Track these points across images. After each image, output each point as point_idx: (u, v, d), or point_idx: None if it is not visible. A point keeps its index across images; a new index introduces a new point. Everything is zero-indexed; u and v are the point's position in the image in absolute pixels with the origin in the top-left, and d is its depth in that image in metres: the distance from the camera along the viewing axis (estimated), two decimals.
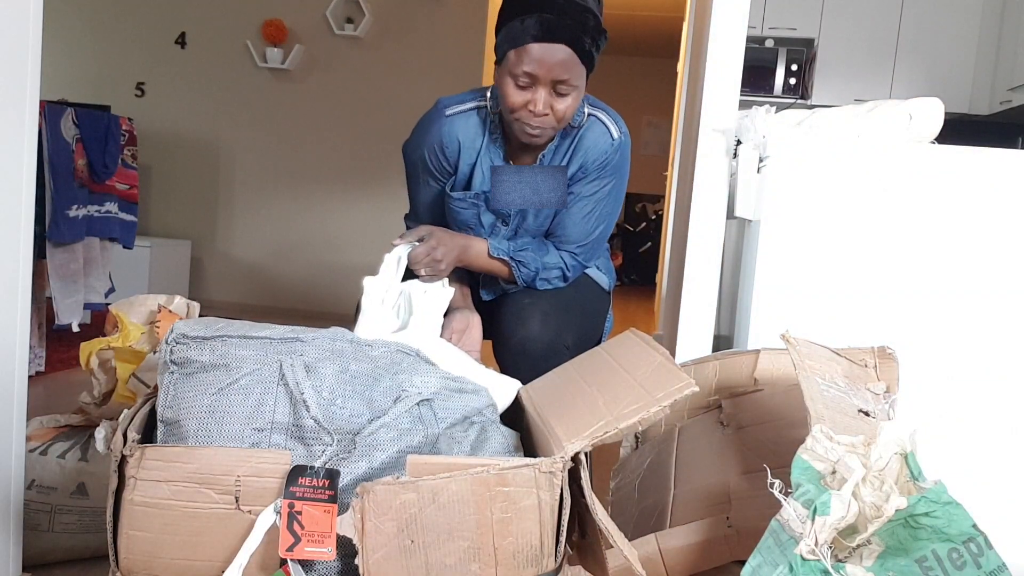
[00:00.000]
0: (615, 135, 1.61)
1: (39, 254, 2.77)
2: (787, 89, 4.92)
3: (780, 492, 0.94)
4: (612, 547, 1.01)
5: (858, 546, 0.92)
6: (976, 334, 1.57)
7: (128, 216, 3.24)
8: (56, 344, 3.21)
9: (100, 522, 1.54)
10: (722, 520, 1.23)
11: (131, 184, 3.24)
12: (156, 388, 1.10)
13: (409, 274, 1.48)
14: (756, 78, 4.85)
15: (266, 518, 0.97)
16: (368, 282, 1.41)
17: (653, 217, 8.82)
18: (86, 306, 3.09)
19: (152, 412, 1.09)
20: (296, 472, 0.97)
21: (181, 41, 4.83)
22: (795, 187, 1.59)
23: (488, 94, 1.61)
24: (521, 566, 0.99)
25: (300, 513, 0.95)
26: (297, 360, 1.07)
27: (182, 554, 0.98)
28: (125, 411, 1.06)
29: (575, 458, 1.02)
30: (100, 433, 1.06)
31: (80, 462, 1.55)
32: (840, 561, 0.91)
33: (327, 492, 0.97)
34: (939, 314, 1.57)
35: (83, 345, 1.69)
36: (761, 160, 1.64)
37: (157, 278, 4.41)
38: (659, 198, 8.53)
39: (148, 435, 1.07)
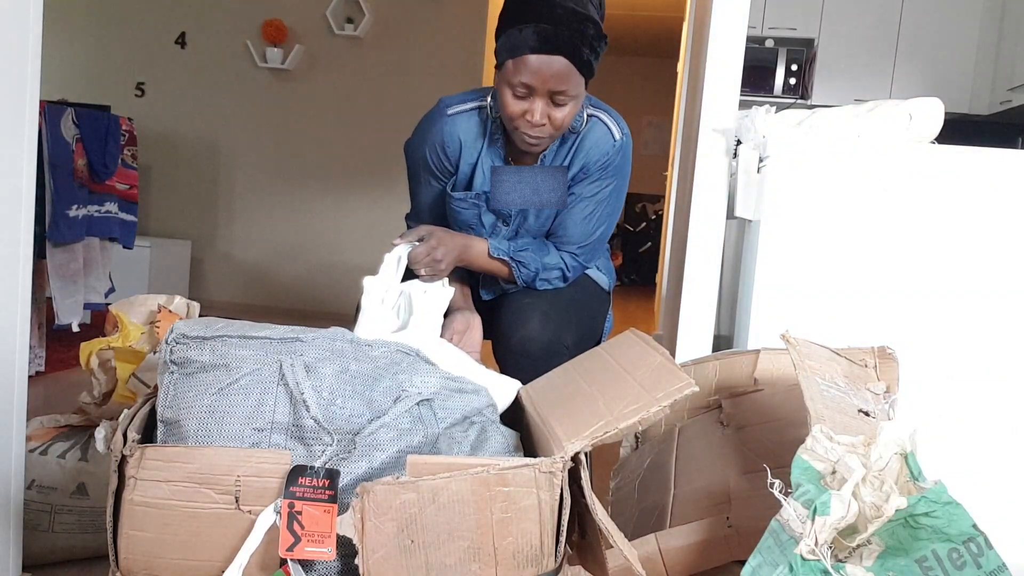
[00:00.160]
0: (617, 136, 1.61)
1: (39, 254, 2.77)
2: (787, 89, 4.92)
3: (780, 492, 0.94)
4: (612, 547, 1.01)
5: (858, 546, 0.92)
6: (976, 334, 1.57)
7: (128, 216, 3.24)
8: (56, 344, 3.21)
9: (100, 522, 1.54)
10: (722, 520, 1.23)
11: (131, 184, 3.24)
12: (156, 388, 1.10)
13: (409, 274, 1.48)
14: (756, 78, 4.85)
15: (266, 518, 0.97)
16: (368, 282, 1.41)
17: (653, 217, 8.82)
18: (86, 306, 3.09)
19: (152, 412, 1.09)
20: (296, 472, 0.97)
21: (181, 41, 4.84)
22: (795, 187, 1.59)
23: (490, 95, 1.61)
24: (521, 566, 0.99)
25: (300, 513, 0.95)
26: (297, 360, 1.07)
27: (182, 554, 0.98)
28: (125, 411, 1.06)
29: (575, 458, 1.02)
30: (100, 433, 1.06)
31: (80, 462, 1.55)
32: (840, 561, 0.91)
33: (327, 492, 0.97)
34: (939, 314, 1.57)
35: (83, 345, 1.69)
36: (761, 160, 1.64)
37: (157, 278, 4.41)
38: (659, 198, 8.53)
39: (148, 435, 1.07)
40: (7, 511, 1.34)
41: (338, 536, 0.96)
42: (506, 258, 1.63)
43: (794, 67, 4.90)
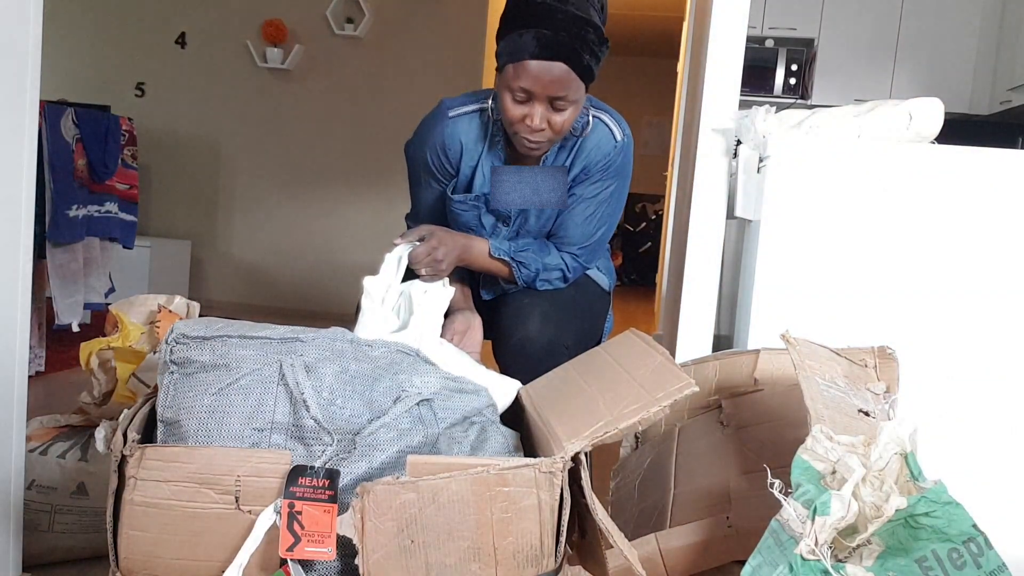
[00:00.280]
0: (618, 137, 1.61)
1: (39, 254, 2.77)
2: (787, 89, 4.92)
3: (780, 492, 0.94)
4: (612, 547, 1.01)
5: (858, 546, 0.92)
6: (976, 334, 1.57)
7: (128, 216, 3.23)
8: (56, 344, 3.21)
9: (100, 522, 1.54)
10: (722, 520, 1.23)
11: (131, 184, 3.24)
12: (156, 388, 1.10)
13: (410, 274, 1.48)
14: (756, 78, 4.85)
15: (266, 518, 0.97)
16: (368, 282, 1.41)
17: (653, 217, 8.82)
18: (86, 306, 3.09)
19: (152, 412, 1.09)
20: (296, 472, 0.97)
21: (181, 41, 4.84)
22: (795, 187, 1.59)
23: (490, 98, 1.61)
24: (521, 566, 0.99)
25: (300, 513, 0.95)
26: (297, 360, 1.07)
27: (182, 554, 0.98)
28: (125, 411, 1.06)
29: (575, 458, 1.02)
30: (100, 433, 1.06)
31: (80, 462, 1.55)
32: (840, 561, 0.91)
33: (327, 492, 0.97)
34: (939, 314, 1.57)
35: (83, 345, 1.69)
36: (761, 160, 1.64)
37: (157, 278, 4.41)
38: (659, 198, 8.53)
39: (148, 435, 1.07)
40: (7, 511, 1.34)
41: (338, 536, 0.96)
42: (507, 258, 1.63)
43: (794, 67, 4.90)
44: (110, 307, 1.77)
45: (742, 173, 1.68)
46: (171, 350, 1.06)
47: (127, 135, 3.22)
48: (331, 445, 1.03)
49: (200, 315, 1.63)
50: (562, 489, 1.01)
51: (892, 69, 4.82)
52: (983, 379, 1.56)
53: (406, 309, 1.40)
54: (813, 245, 1.59)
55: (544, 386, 1.28)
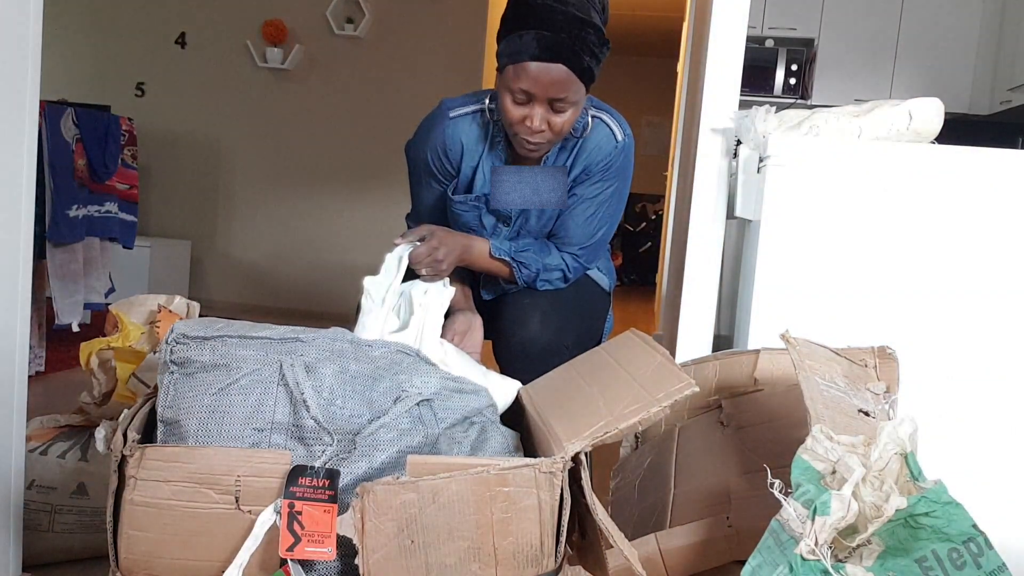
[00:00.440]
0: (619, 137, 1.61)
1: (39, 254, 2.77)
2: (787, 89, 4.92)
3: (780, 492, 0.94)
4: (612, 547, 1.01)
5: (858, 546, 0.92)
6: (976, 334, 1.56)
7: (128, 216, 3.24)
8: (56, 344, 3.21)
9: (100, 522, 1.54)
10: (722, 520, 1.23)
11: (131, 184, 3.24)
12: (156, 388, 1.10)
13: (410, 274, 1.48)
14: (756, 78, 4.85)
15: (266, 518, 0.97)
16: (368, 282, 1.41)
17: (653, 217, 8.82)
18: (86, 306, 3.09)
19: (152, 412, 1.09)
20: (296, 472, 0.97)
21: (181, 41, 4.84)
22: (795, 187, 1.59)
23: (488, 97, 1.61)
24: (521, 566, 0.99)
25: (300, 513, 0.95)
26: (297, 360, 1.07)
27: (182, 554, 0.98)
28: (125, 411, 1.06)
29: (575, 458, 1.02)
30: (100, 433, 1.06)
31: (80, 462, 1.55)
32: (840, 561, 0.91)
33: (327, 492, 0.97)
34: (939, 314, 1.57)
35: (83, 345, 1.69)
36: (761, 160, 1.64)
37: (157, 278, 4.41)
38: (659, 198, 8.53)
39: (148, 435, 1.07)
40: (7, 511, 1.34)
41: (338, 536, 0.96)
42: (507, 258, 1.63)
43: (794, 67, 4.89)
44: (110, 307, 1.77)
45: (742, 173, 1.68)
46: (171, 350, 1.06)
47: (127, 135, 3.22)
48: (331, 445, 1.03)
49: (200, 315, 1.63)
50: (562, 489, 1.01)
51: (892, 69, 4.82)
52: (983, 379, 1.56)
53: (406, 309, 1.40)
54: (813, 245, 1.59)
55: (544, 386, 1.28)
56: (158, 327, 1.72)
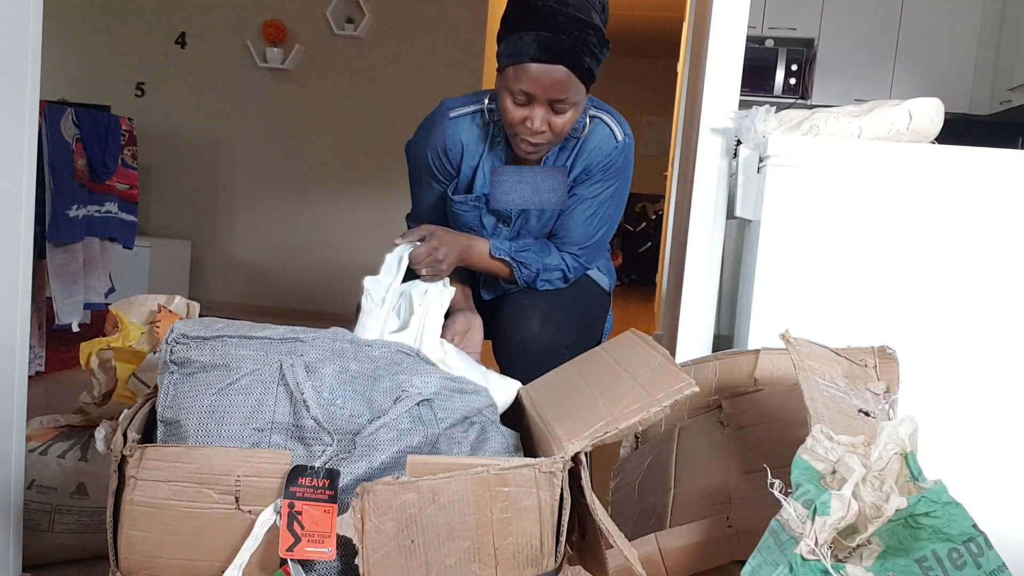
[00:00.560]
0: (619, 137, 1.61)
1: (39, 254, 2.77)
2: (787, 89, 4.92)
3: (780, 492, 0.94)
4: (612, 547, 1.01)
5: (858, 546, 0.92)
6: (976, 334, 1.56)
7: (128, 216, 3.24)
8: (56, 344, 3.21)
9: (100, 522, 1.54)
10: (722, 520, 1.23)
11: (131, 184, 3.24)
12: (156, 388, 1.10)
13: (410, 274, 1.48)
14: (756, 78, 4.85)
15: (266, 518, 0.97)
16: (368, 282, 1.41)
17: (653, 217, 8.82)
18: (86, 306, 3.09)
19: (152, 412, 1.09)
20: (296, 472, 0.97)
21: (181, 41, 4.84)
22: (795, 187, 1.59)
23: (487, 97, 1.61)
24: (521, 566, 0.99)
25: (300, 513, 0.95)
26: (297, 360, 1.07)
27: (182, 554, 0.98)
28: (125, 411, 1.06)
29: (575, 458, 1.02)
30: (100, 433, 1.06)
31: (80, 462, 1.55)
32: (840, 561, 0.91)
33: (327, 492, 0.97)
34: (939, 314, 1.57)
35: (83, 345, 1.69)
36: (761, 160, 1.64)
37: (157, 278, 4.41)
38: (659, 198, 8.53)
39: (148, 435, 1.07)
40: (7, 511, 1.34)
41: (338, 536, 0.96)
42: (507, 258, 1.63)
43: (794, 67, 4.89)
44: (110, 307, 1.77)
45: (742, 173, 1.68)
46: (171, 350, 1.06)
47: (127, 135, 3.22)
48: (331, 445, 1.03)
49: (200, 315, 1.63)
50: (562, 489, 1.01)
51: (892, 69, 4.82)
52: (983, 379, 1.56)
53: (406, 309, 1.41)
54: (813, 245, 1.59)
55: (544, 386, 1.28)
56: (158, 327, 1.72)
